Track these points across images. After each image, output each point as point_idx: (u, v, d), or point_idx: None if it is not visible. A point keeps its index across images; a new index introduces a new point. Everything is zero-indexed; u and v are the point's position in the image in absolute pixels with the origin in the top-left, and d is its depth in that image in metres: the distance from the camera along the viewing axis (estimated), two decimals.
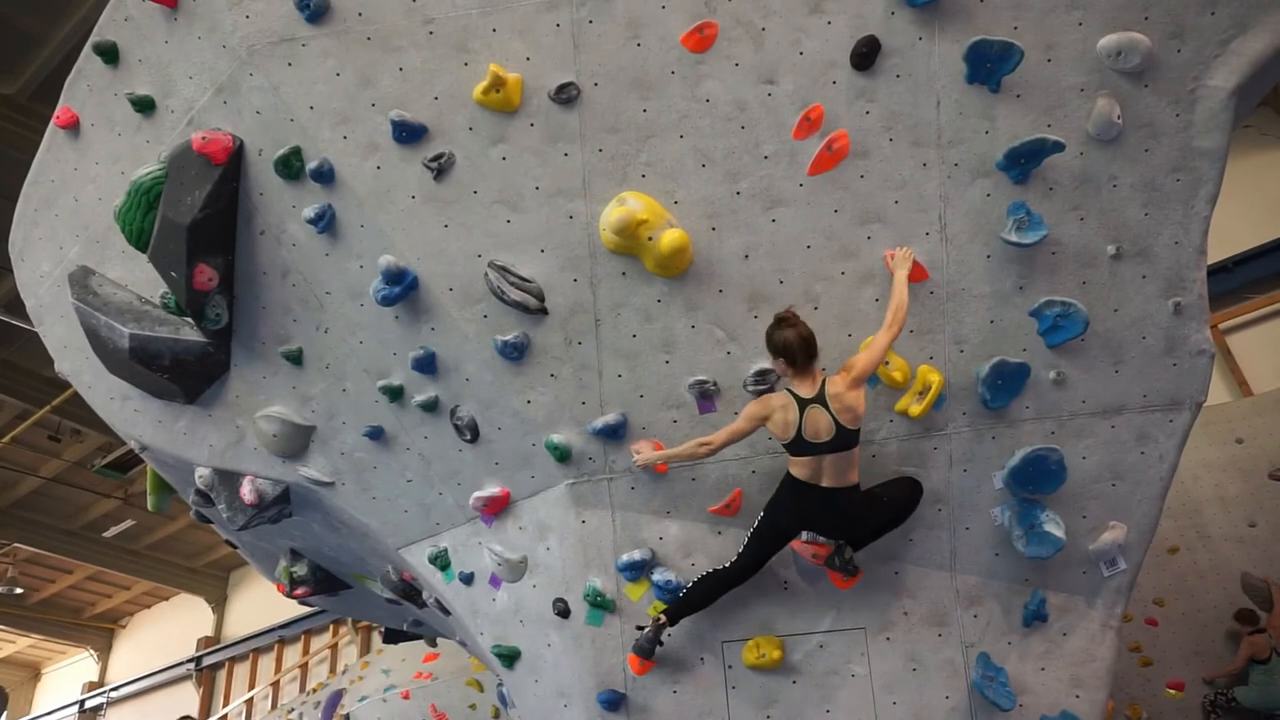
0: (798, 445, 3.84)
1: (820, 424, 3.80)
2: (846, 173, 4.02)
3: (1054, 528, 4.09)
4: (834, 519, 4.01)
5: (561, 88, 3.99)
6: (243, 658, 19.49)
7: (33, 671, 26.95)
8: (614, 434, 4.24)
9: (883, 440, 4.20)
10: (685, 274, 4.10)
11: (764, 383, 4.13)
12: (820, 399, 3.80)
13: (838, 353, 4.05)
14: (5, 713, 24.43)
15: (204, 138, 4.25)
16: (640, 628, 4.14)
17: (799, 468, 3.90)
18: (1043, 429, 4.19)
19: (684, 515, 4.31)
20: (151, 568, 20.44)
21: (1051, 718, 4.20)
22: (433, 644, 9.78)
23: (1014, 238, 3.97)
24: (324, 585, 6.11)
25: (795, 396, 3.82)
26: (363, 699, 10.44)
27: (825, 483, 3.88)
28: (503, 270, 4.11)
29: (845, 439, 3.82)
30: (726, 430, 3.94)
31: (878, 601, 4.26)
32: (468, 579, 4.78)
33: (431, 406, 4.47)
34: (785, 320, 3.81)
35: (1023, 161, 3.94)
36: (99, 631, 24.24)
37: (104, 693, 22.71)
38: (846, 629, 4.24)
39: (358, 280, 4.32)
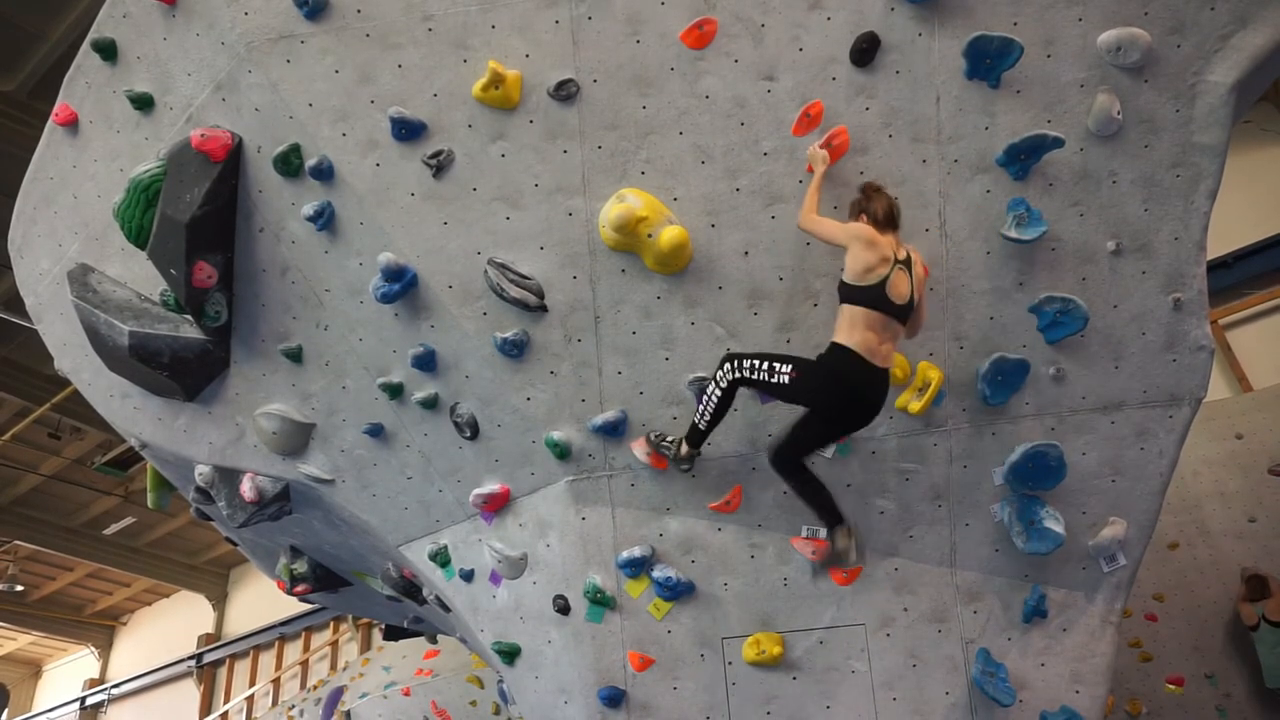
0: (874, 296, 3.65)
1: (903, 286, 3.70)
2: (846, 169, 4.02)
3: (1054, 524, 4.10)
4: (869, 408, 3.79)
5: (561, 84, 3.99)
6: (243, 655, 19.50)
7: (34, 669, 26.98)
8: (614, 431, 4.24)
9: (882, 437, 4.20)
10: (685, 271, 4.10)
11: None
12: (907, 263, 3.74)
13: None
14: (6, 710, 24.47)
15: (203, 135, 4.25)
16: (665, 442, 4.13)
17: (859, 331, 3.65)
18: (1042, 425, 4.19)
19: (684, 512, 4.32)
20: (152, 565, 20.45)
21: (1052, 713, 4.20)
22: (433, 641, 9.78)
23: (1014, 234, 3.96)
24: (324, 582, 6.12)
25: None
26: (363, 696, 10.46)
27: (875, 356, 3.67)
28: (502, 267, 4.11)
29: (911, 309, 3.76)
30: (826, 226, 3.76)
31: (878, 598, 4.26)
32: (468, 576, 4.79)
33: (431, 404, 4.48)
34: (876, 188, 3.81)
35: (1022, 157, 3.94)
36: (100, 628, 24.26)
37: (105, 690, 22.74)
38: (846, 625, 4.25)
39: (357, 277, 4.32)
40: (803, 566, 4.27)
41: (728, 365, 3.85)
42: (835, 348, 3.69)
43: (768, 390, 3.83)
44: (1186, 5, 3.88)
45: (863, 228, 3.70)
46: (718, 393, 3.89)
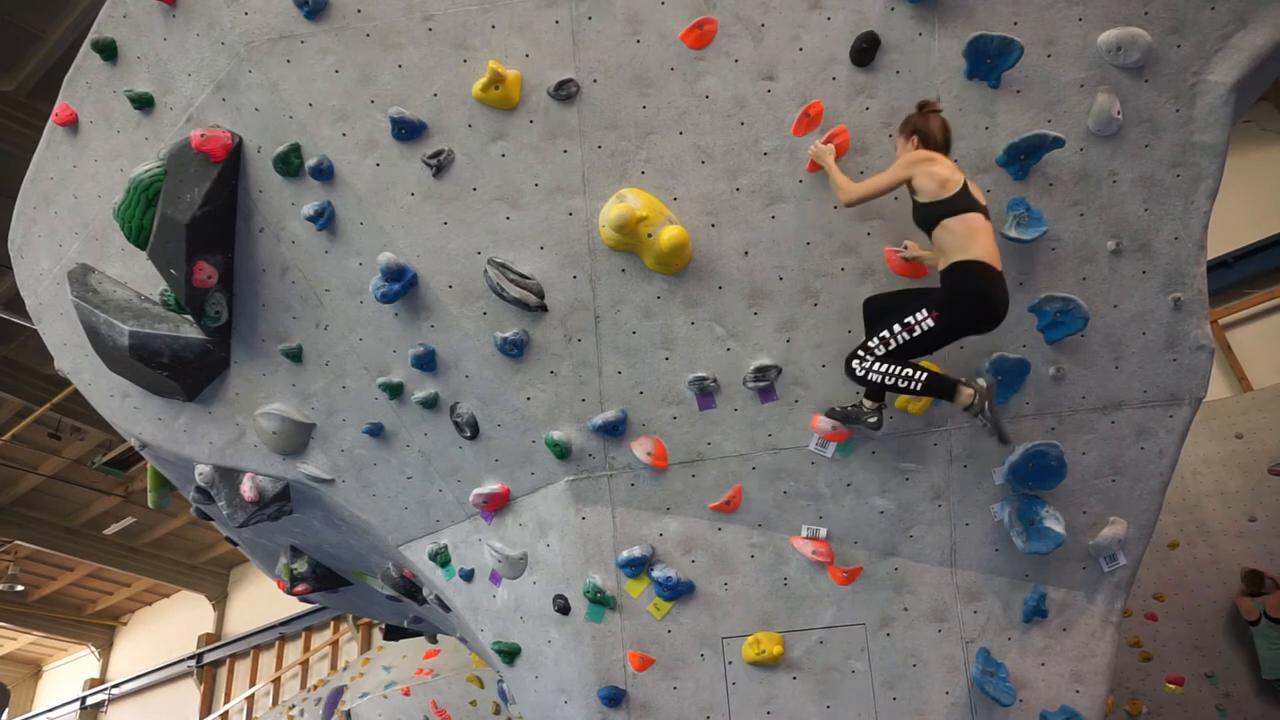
0: (966, 199, 3.54)
1: (978, 190, 3.65)
2: (846, 169, 4.01)
3: (1054, 523, 4.10)
4: (1002, 307, 3.60)
5: (561, 84, 3.99)
6: (244, 655, 19.52)
7: (34, 669, 26.99)
8: (614, 430, 4.24)
9: (883, 436, 4.20)
10: (685, 271, 4.10)
11: (764, 379, 4.13)
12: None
13: (837, 349, 4.05)
14: (7, 710, 24.47)
15: (203, 135, 4.25)
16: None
17: (975, 238, 3.50)
18: (1043, 425, 4.19)
19: (684, 512, 4.32)
20: (152, 565, 20.47)
21: (1052, 713, 4.20)
22: (433, 640, 9.80)
23: (1014, 234, 3.96)
24: (324, 582, 6.12)
25: None
26: (364, 696, 10.46)
27: (995, 259, 3.52)
28: (502, 267, 4.11)
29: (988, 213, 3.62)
30: (872, 181, 3.68)
31: (878, 597, 4.26)
32: (468, 576, 4.79)
33: (431, 403, 4.48)
34: (932, 106, 3.68)
35: (1022, 157, 3.94)
36: (100, 628, 24.28)
37: (105, 690, 22.75)
38: (846, 625, 4.25)
39: (357, 277, 4.32)
40: (803, 566, 4.27)
41: (855, 363, 3.69)
42: (961, 268, 3.52)
43: (915, 348, 3.64)
44: (1186, 5, 3.88)
45: (913, 153, 3.63)
46: (888, 370, 3.64)
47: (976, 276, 3.52)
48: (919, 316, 3.57)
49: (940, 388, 3.68)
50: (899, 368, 3.66)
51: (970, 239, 3.52)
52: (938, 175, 3.54)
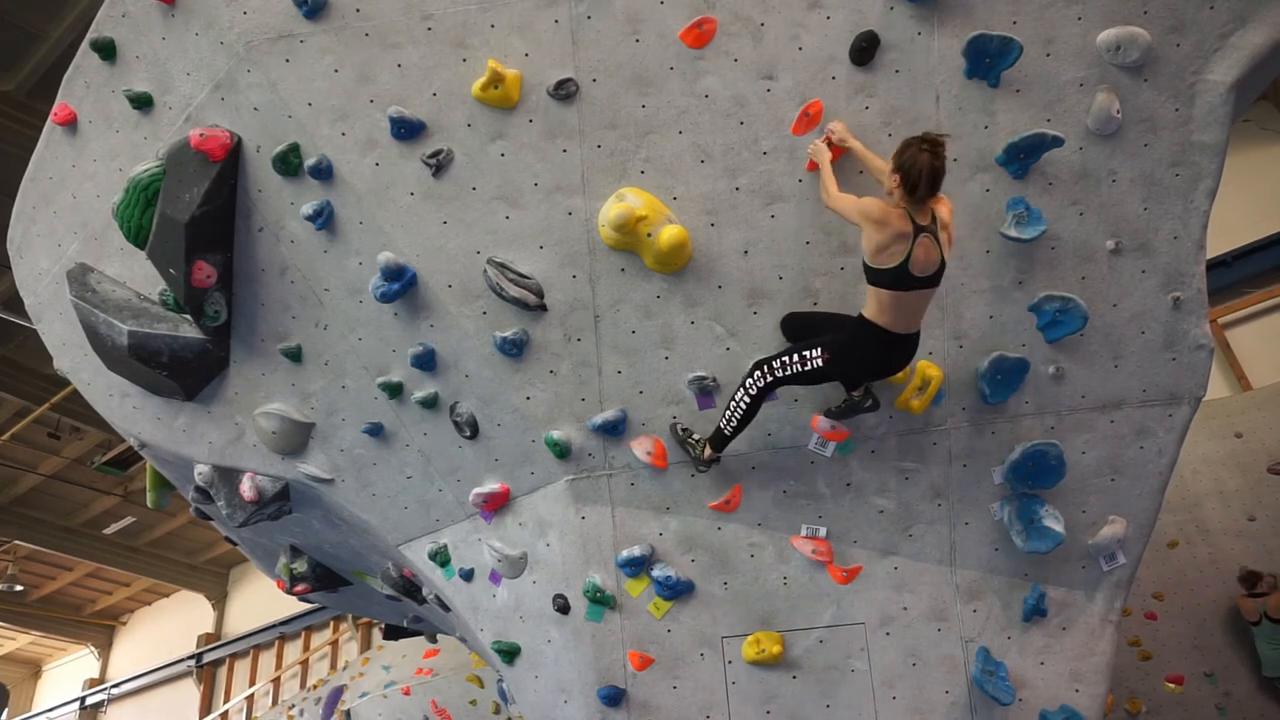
0: (896, 277, 3.50)
1: (930, 255, 3.50)
2: (844, 167, 4.01)
3: (1053, 523, 4.10)
4: (897, 366, 3.83)
5: (560, 84, 3.98)
6: (243, 654, 19.52)
7: (33, 668, 26.99)
8: (614, 430, 4.24)
9: (882, 435, 4.20)
10: (684, 270, 4.10)
11: None
12: (932, 228, 3.50)
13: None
14: (6, 710, 24.46)
15: (202, 134, 4.25)
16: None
17: (888, 313, 3.58)
18: (1042, 424, 4.19)
19: (684, 511, 4.32)
20: (152, 564, 20.47)
21: (1051, 712, 4.21)
22: (433, 640, 9.80)
23: (1013, 233, 3.96)
24: (324, 582, 6.12)
25: (910, 219, 3.48)
26: (363, 695, 10.46)
27: (905, 329, 3.63)
28: (501, 267, 4.11)
29: (941, 273, 3.60)
30: (844, 202, 3.63)
31: (877, 596, 4.26)
32: (468, 575, 4.79)
33: (431, 403, 4.47)
34: (933, 144, 3.42)
35: (1022, 156, 3.94)
36: (99, 628, 24.28)
37: (105, 689, 22.74)
38: (846, 624, 4.25)
39: (356, 277, 4.32)
40: (802, 566, 4.27)
41: (758, 373, 3.83)
42: (864, 323, 3.66)
43: (802, 380, 3.82)
44: (1186, 4, 3.88)
45: (870, 205, 3.50)
46: (746, 399, 3.89)
47: (876, 339, 3.66)
48: (813, 354, 3.72)
49: (718, 444, 4.07)
50: (743, 413, 3.92)
51: (882, 311, 3.62)
52: (875, 243, 3.50)
